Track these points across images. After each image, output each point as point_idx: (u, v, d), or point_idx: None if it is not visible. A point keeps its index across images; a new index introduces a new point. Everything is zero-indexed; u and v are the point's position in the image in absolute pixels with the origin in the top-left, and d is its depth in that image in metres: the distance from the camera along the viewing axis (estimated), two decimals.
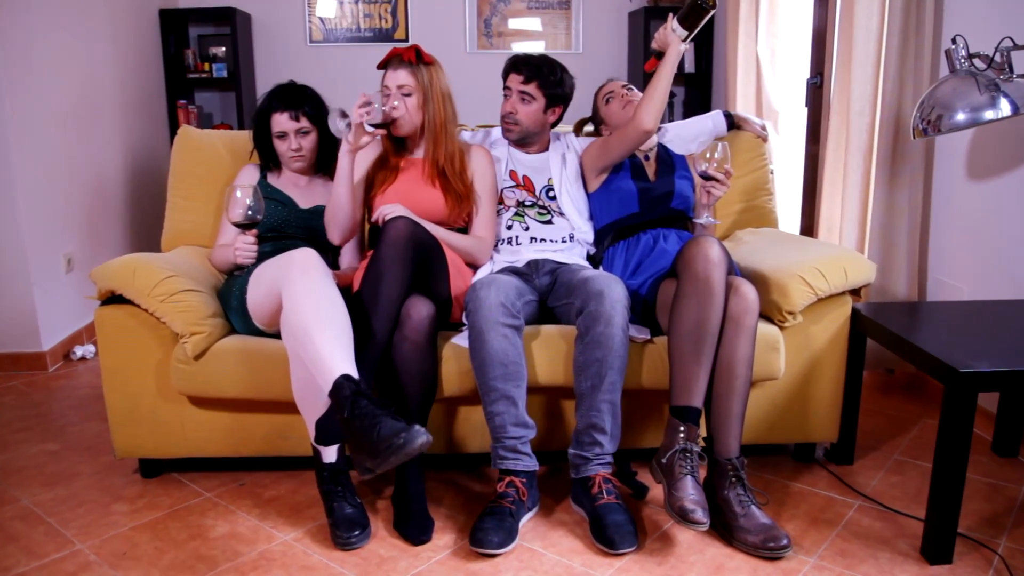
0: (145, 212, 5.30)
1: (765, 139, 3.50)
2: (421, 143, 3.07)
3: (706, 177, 2.78)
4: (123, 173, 5.07)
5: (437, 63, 2.99)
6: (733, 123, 3.47)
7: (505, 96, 3.17)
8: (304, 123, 3.03)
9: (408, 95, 2.94)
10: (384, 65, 2.98)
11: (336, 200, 2.87)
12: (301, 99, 3.03)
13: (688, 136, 3.36)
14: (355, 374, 2.28)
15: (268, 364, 2.67)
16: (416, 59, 2.93)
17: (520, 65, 3.13)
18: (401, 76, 2.93)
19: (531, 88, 3.11)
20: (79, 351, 4.32)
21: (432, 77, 2.95)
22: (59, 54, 4.35)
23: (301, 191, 3.10)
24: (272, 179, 3.11)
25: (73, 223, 4.46)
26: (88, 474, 2.97)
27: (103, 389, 2.81)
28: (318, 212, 3.06)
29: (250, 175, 3.12)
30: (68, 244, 4.40)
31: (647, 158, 3.17)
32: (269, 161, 3.12)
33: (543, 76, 3.11)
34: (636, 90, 3.23)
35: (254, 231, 2.77)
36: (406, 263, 2.55)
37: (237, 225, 2.73)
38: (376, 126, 2.75)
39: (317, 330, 2.33)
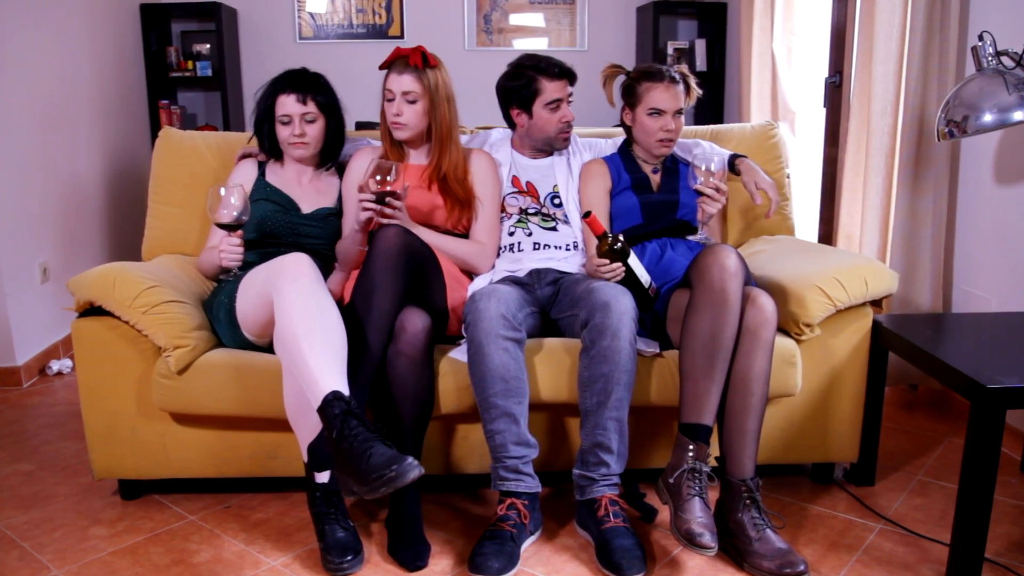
0: (125, 219, 5.32)
1: (768, 203, 3.05)
2: (421, 148, 3.10)
3: (698, 192, 2.83)
4: (102, 177, 5.09)
5: (441, 64, 3.02)
6: (734, 167, 3.18)
7: (555, 107, 3.14)
8: (311, 108, 3.02)
9: (413, 102, 2.97)
10: (387, 66, 3.01)
11: (348, 254, 2.99)
12: (312, 84, 3.04)
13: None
14: (346, 391, 2.29)
15: (256, 379, 2.67)
16: (423, 63, 2.95)
17: (566, 72, 3.14)
18: (406, 82, 2.95)
19: (571, 90, 3.18)
20: (55, 366, 4.33)
21: (438, 81, 2.98)
22: (33, 52, 4.37)
23: (303, 190, 3.11)
24: (272, 176, 3.12)
25: (49, 230, 4.48)
26: (65, 496, 2.98)
27: (80, 406, 2.81)
28: (320, 216, 3.08)
29: (247, 171, 3.13)
30: (43, 252, 4.41)
31: (656, 171, 3.18)
32: (271, 151, 3.13)
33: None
34: (683, 116, 3.13)
35: (240, 232, 2.78)
36: (399, 274, 2.56)
37: (221, 226, 2.73)
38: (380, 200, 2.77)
39: (307, 342, 2.34)
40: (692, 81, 3.15)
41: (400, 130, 3.00)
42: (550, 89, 3.11)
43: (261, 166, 3.15)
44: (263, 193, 3.04)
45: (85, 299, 2.71)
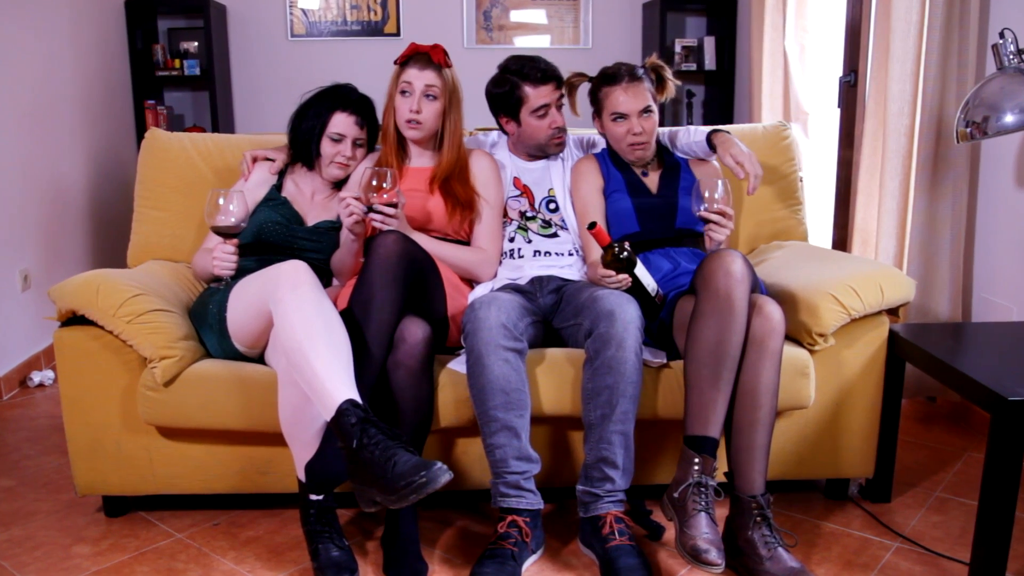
0: (109, 224, 5.34)
1: (746, 180, 2.99)
2: (426, 150, 3.12)
3: (703, 220, 2.75)
4: (85, 181, 5.11)
5: (455, 69, 3.06)
6: (712, 144, 3.16)
7: (542, 113, 3.13)
8: (364, 135, 3.10)
9: (434, 98, 3.00)
10: (404, 61, 3.02)
11: (343, 264, 3.03)
12: (370, 111, 3.11)
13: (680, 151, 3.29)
14: (359, 399, 2.30)
15: (246, 390, 2.68)
16: (445, 62, 2.99)
17: (550, 76, 3.12)
18: (429, 76, 2.98)
19: (560, 92, 3.17)
20: (36, 377, 4.34)
21: (455, 84, 3.03)
22: (13, 49, 4.39)
23: (313, 204, 3.14)
24: (288, 187, 3.15)
25: (30, 236, 4.49)
26: (47, 513, 2.99)
27: (63, 419, 2.82)
28: (321, 230, 3.09)
29: (266, 175, 3.16)
30: (24, 259, 4.42)
31: (645, 173, 3.15)
32: (305, 159, 3.15)
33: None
34: (655, 113, 3.06)
35: (235, 240, 2.79)
36: (398, 283, 2.56)
37: (217, 232, 2.75)
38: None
39: (314, 352, 2.34)
40: (667, 73, 3.11)
41: (416, 129, 3.02)
42: (534, 96, 3.10)
43: (280, 174, 3.17)
44: (272, 203, 3.06)
45: (67, 308, 2.72)
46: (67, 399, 2.80)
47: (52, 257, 4.68)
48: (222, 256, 2.78)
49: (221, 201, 2.72)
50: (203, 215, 2.78)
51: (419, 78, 2.98)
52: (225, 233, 2.75)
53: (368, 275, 2.57)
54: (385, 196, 2.71)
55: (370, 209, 2.73)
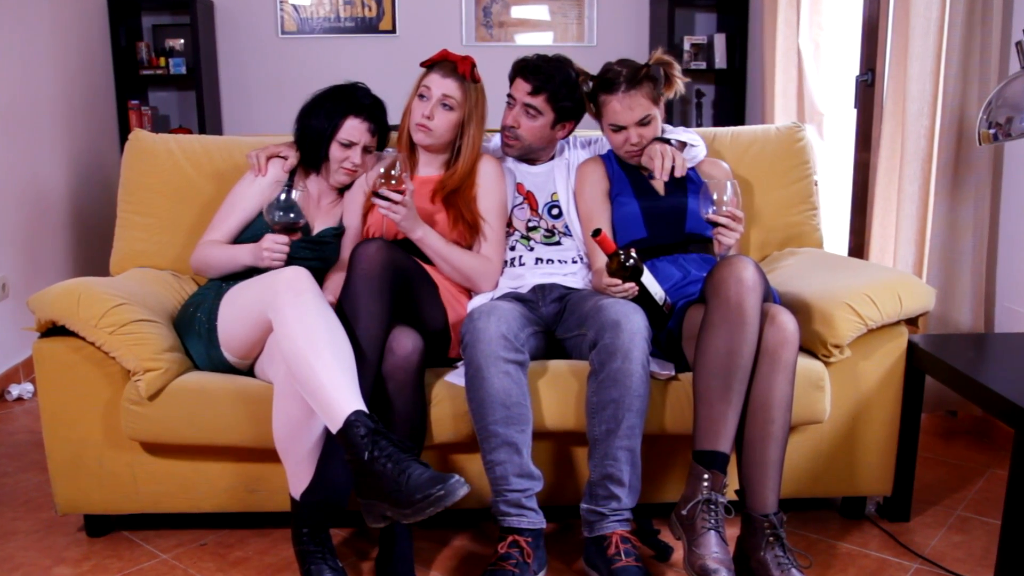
0: (91, 230, 5.34)
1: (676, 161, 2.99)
2: (436, 160, 3.12)
3: (712, 223, 2.74)
4: (66, 185, 5.12)
5: (483, 85, 3.07)
6: None
7: (508, 104, 3.18)
8: (374, 142, 3.10)
9: (450, 109, 2.99)
10: (429, 65, 3.04)
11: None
12: (382, 116, 3.11)
13: None
14: (366, 409, 2.31)
15: (235, 404, 2.68)
16: (470, 75, 3.00)
17: (529, 72, 3.11)
18: (449, 85, 2.98)
19: (539, 101, 3.10)
20: (15, 390, 4.34)
21: (479, 100, 3.04)
22: None
23: (320, 211, 3.15)
24: (297, 191, 3.14)
25: (8, 243, 4.50)
26: (26, 533, 2.99)
27: (43, 435, 2.82)
28: (324, 237, 3.10)
29: (279, 176, 3.14)
30: (2, 267, 4.43)
31: (651, 176, 3.10)
32: (312, 163, 3.14)
33: (554, 87, 3.09)
34: (656, 119, 3.04)
35: (297, 235, 2.81)
36: (383, 294, 2.57)
37: (278, 230, 2.76)
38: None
39: (320, 362, 2.35)
40: (675, 71, 3.08)
41: (425, 134, 3.02)
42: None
43: (290, 176, 3.17)
44: None
45: (47, 318, 2.72)
46: (47, 413, 2.80)
47: (31, 265, 4.68)
48: (274, 247, 2.78)
49: (284, 195, 2.73)
50: (263, 211, 2.76)
51: (439, 85, 2.98)
52: (287, 229, 2.77)
53: (352, 286, 2.58)
54: (393, 183, 2.71)
55: (376, 195, 2.72)
